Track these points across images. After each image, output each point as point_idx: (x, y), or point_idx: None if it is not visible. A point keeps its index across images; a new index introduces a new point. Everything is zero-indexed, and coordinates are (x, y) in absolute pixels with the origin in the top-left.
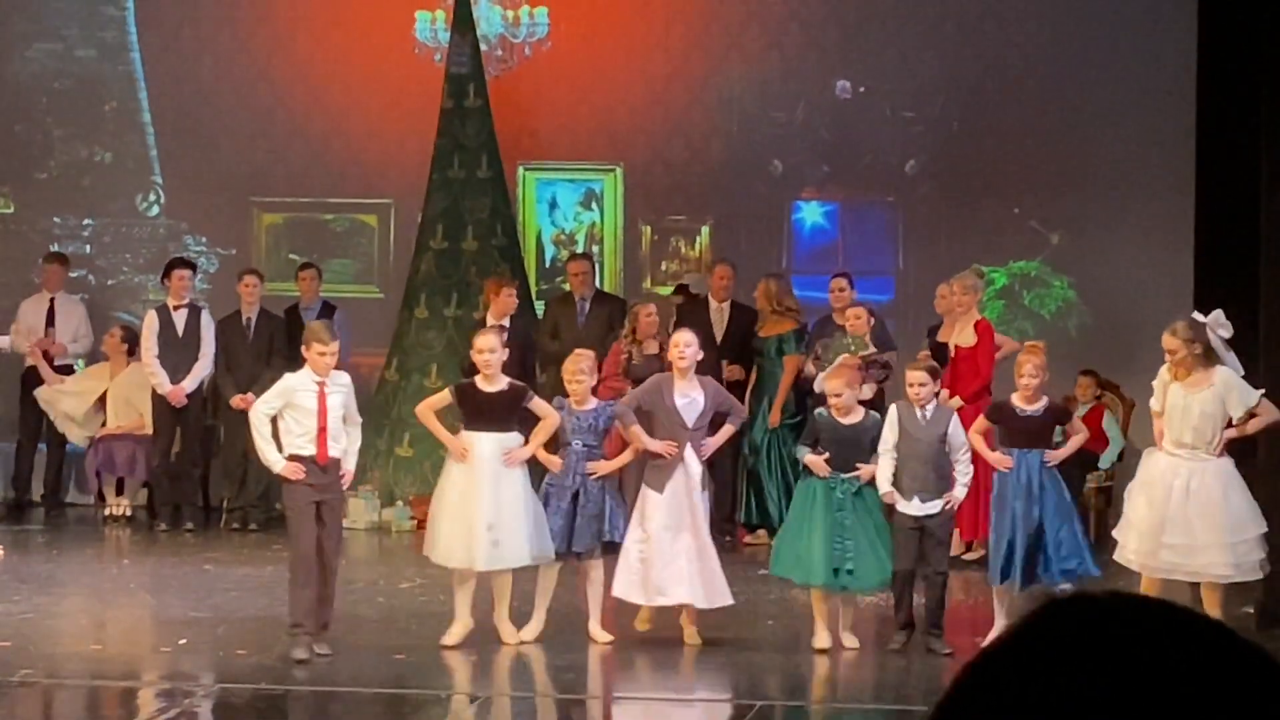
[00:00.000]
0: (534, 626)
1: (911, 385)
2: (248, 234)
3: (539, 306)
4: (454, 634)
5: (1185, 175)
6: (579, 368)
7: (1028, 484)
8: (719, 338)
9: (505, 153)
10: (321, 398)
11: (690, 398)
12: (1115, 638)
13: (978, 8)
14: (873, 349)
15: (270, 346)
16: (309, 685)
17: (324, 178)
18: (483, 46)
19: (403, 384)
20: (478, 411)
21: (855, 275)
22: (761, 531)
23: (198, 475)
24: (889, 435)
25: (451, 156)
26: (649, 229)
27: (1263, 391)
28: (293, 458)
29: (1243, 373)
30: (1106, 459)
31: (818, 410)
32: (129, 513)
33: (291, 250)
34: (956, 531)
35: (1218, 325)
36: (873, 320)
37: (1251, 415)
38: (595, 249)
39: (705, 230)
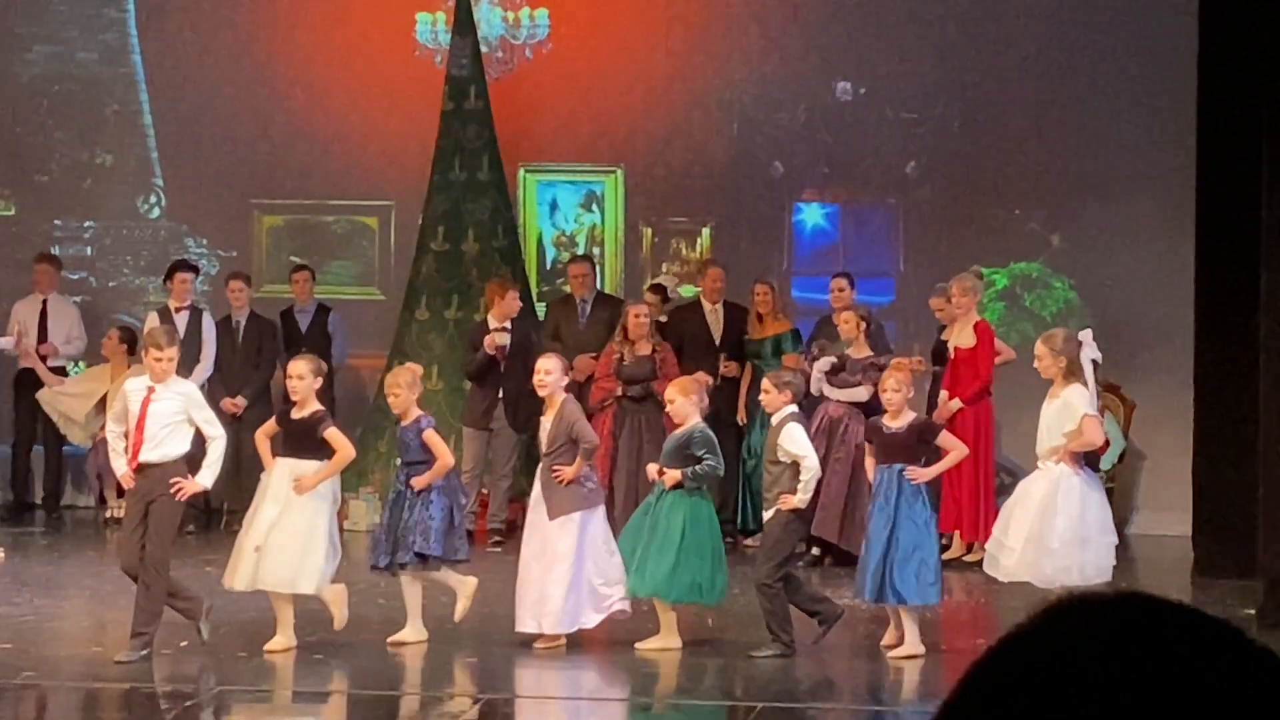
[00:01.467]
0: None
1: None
2: (248, 236)
3: (540, 309)
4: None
5: (1186, 176)
6: (397, 381)
7: (887, 502)
8: (717, 339)
9: (506, 154)
10: (145, 403)
11: (545, 424)
12: (1123, 637)
13: (979, 9)
14: (868, 352)
15: (259, 349)
16: (308, 687)
17: (325, 180)
18: (483, 48)
19: None
20: (283, 436)
21: (856, 277)
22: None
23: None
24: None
25: (452, 158)
26: (650, 231)
27: (1089, 414)
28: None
29: (1094, 403)
30: (1108, 460)
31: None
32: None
33: (292, 252)
34: (957, 534)
35: (1089, 347)
36: (868, 323)
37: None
38: (596, 251)
39: (706, 232)
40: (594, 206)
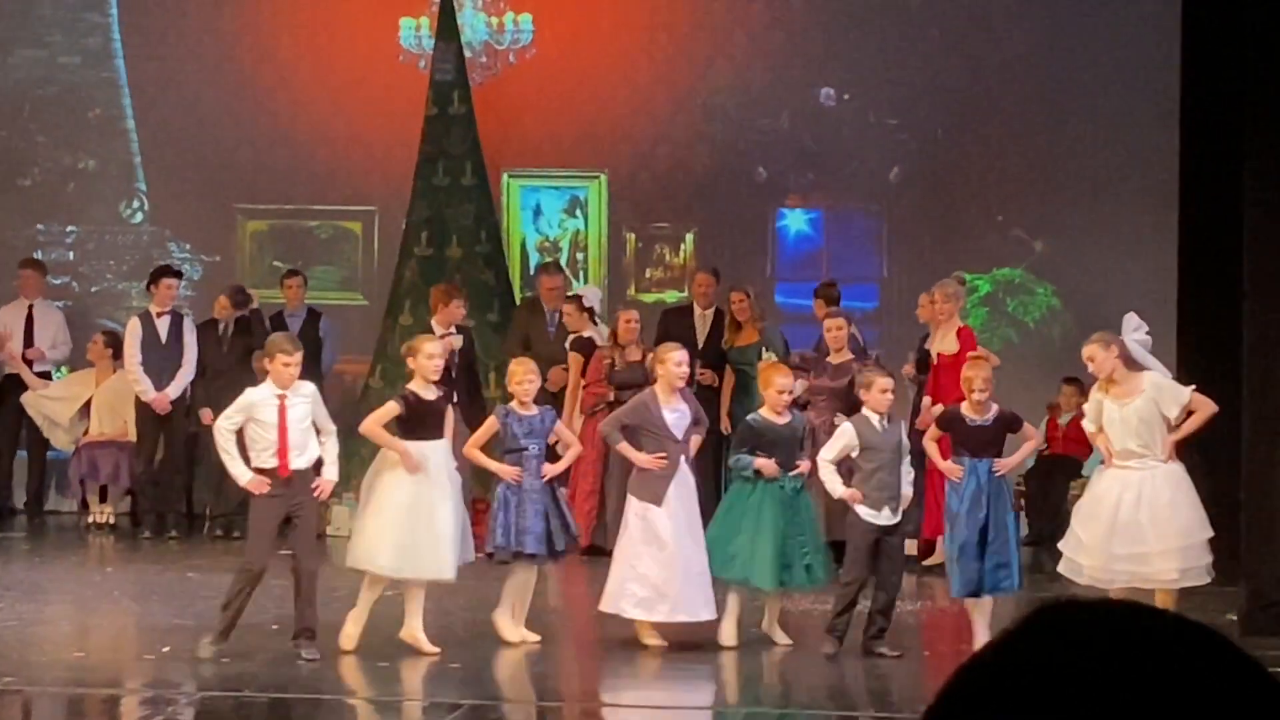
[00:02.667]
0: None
1: (884, 392)
2: (232, 241)
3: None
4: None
5: (1169, 182)
6: (529, 370)
7: (976, 493)
8: (700, 344)
9: (490, 160)
10: (282, 411)
11: (679, 411)
12: (1105, 643)
13: (962, 16)
14: (850, 357)
15: (247, 354)
16: (292, 693)
17: (308, 185)
18: (467, 53)
19: (387, 391)
20: (423, 420)
21: (839, 282)
22: None
23: (181, 483)
24: (836, 446)
25: (436, 163)
26: (633, 236)
27: (1193, 387)
28: (259, 471)
29: (1170, 374)
30: (1090, 466)
31: (750, 416)
32: (112, 520)
33: (276, 257)
34: (939, 539)
35: (1132, 329)
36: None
37: (1189, 413)
38: (580, 256)
39: (689, 237)
40: (577, 212)
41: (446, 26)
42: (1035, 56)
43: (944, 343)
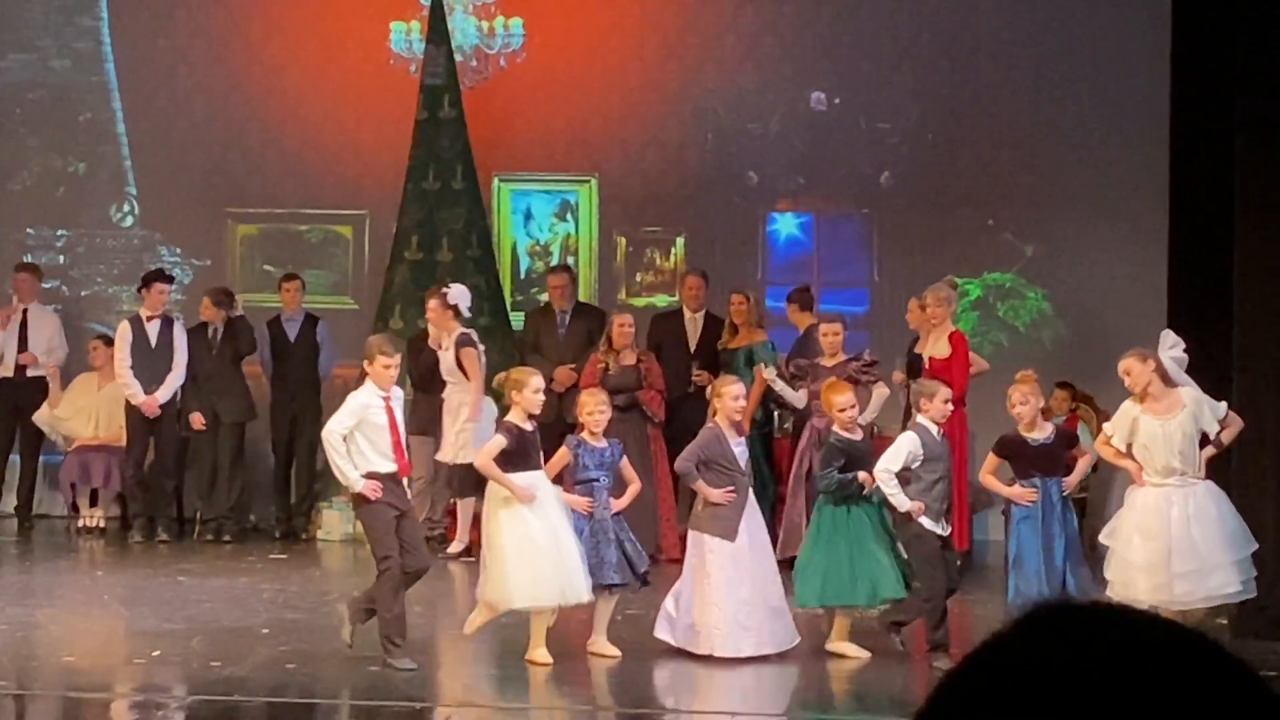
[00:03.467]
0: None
1: (946, 402)
2: (222, 245)
3: (515, 318)
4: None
5: (1159, 187)
6: (600, 401)
7: (1047, 512)
8: (692, 347)
9: (480, 164)
10: (389, 412)
11: (741, 444)
12: (1097, 644)
13: (953, 20)
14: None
15: (236, 358)
16: (283, 697)
17: (299, 189)
18: (458, 58)
19: None
20: (525, 453)
21: (830, 287)
22: None
23: (172, 487)
24: (901, 456)
25: (426, 168)
26: (624, 240)
27: (1225, 403)
28: (370, 475)
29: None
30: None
31: (833, 436)
32: (102, 524)
33: (266, 261)
34: None
35: (1169, 346)
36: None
37: (1223, 427)
38: (570, 260)
39: (680, 241)
40: (568, 216)
41: (437, 31)
42: (1026, 61)
43: (936, 347)
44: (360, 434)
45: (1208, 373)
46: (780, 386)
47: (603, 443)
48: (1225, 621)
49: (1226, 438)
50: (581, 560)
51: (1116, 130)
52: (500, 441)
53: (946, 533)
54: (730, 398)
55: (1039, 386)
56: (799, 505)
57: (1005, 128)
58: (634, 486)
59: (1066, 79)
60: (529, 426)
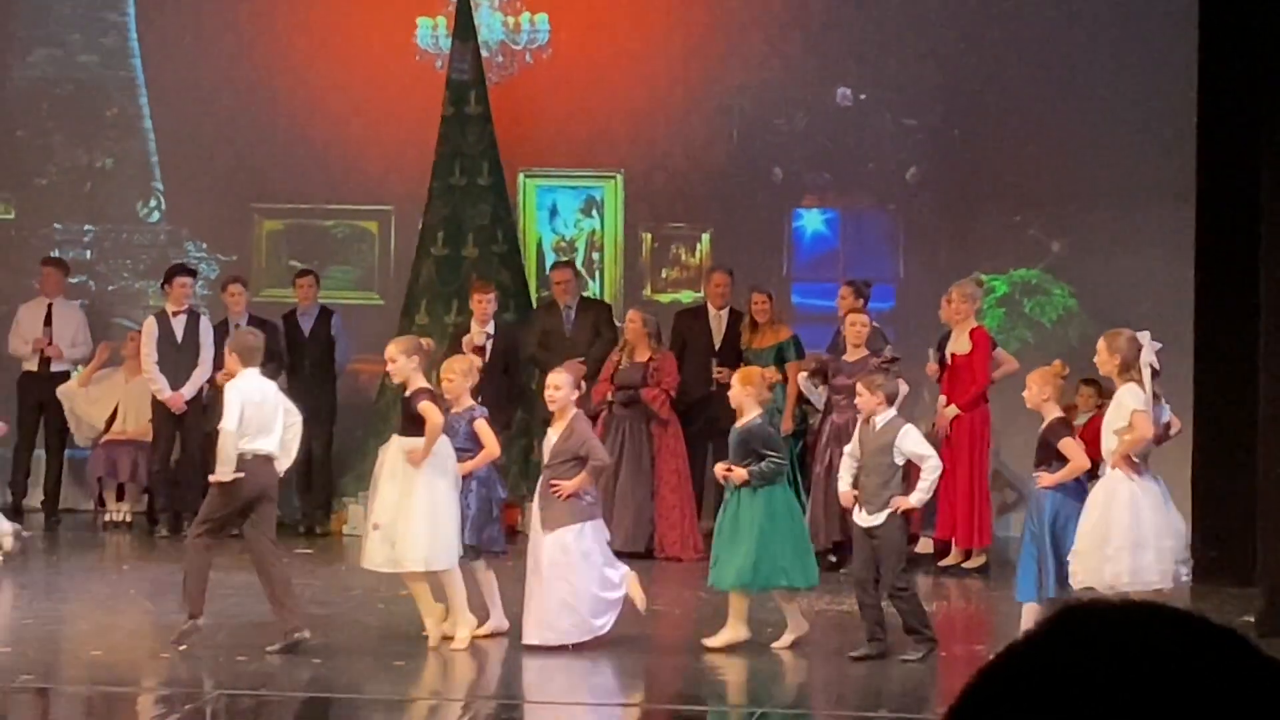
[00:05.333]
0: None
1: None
2: (248, 240)
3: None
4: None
5: (1186, 183)
6: (452, 369)
7: (1031, 505)
8: (717, 344)
9: (506, 159)
10: None
11: (551, 437)
12: (1128, 644)
13: (979, 16)
14: (864, 353)
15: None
16: (308, 692)
17: (325, 184)
18: (484, 53)
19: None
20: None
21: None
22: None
23: (197, 481)
24: (851, 445)
25: (452, 163)
26: (649, 236)
27: (1140, 409)
28: None
29: (1149, 405)
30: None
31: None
32: (129, 519)
33: (292, 257)
34: (953, 539)
35: (1147, 349)
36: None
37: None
38: (595, 256)
39: (705, 238)
40: (593, 211)
41: (463, 26)
42: (1053, 57)
43: (958, 343)
44: None
45: (1233, 368)
46: (807, 387)
47: (459, 409)
48: (1252, 619)
49: (1124, 443)
50: (371, 530)
51: (1143, 126)
52: (437, 411)
53: (867, 524)
54: (552, 386)
55: (1050, 376)
56: (820, 498)
57: (1032, 123)
58: (484, 451)
59: (1093, 75)
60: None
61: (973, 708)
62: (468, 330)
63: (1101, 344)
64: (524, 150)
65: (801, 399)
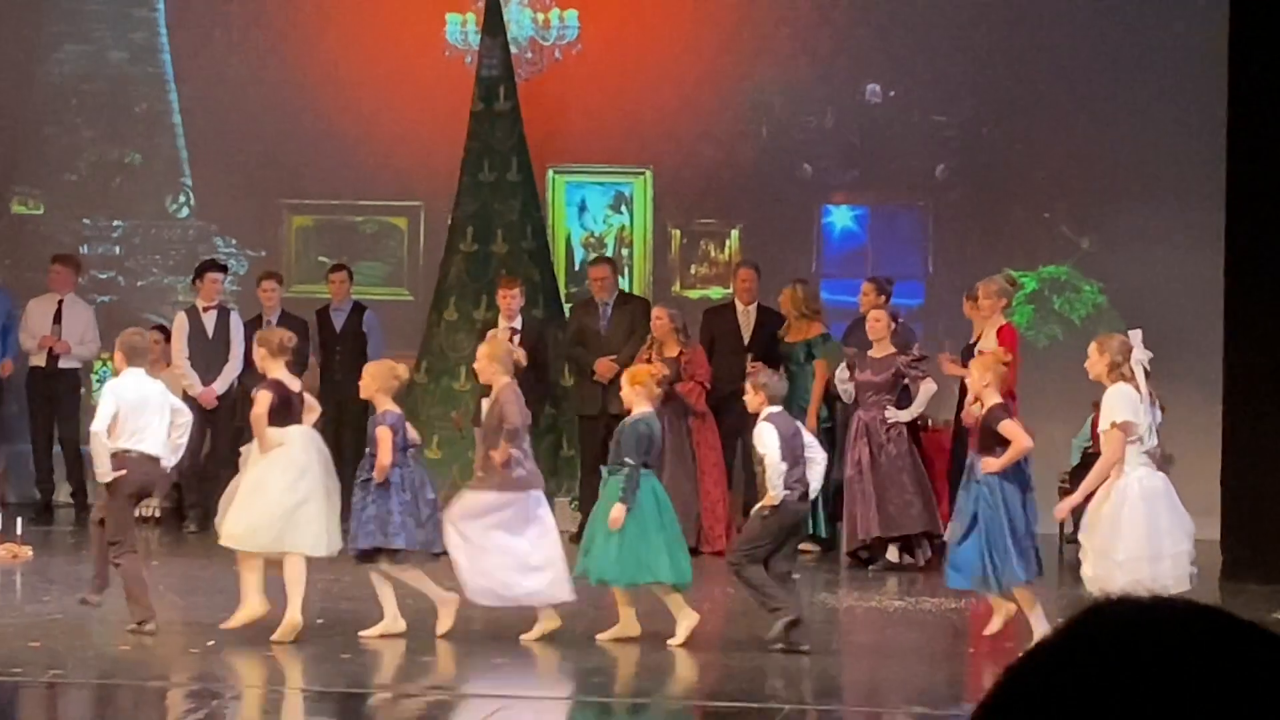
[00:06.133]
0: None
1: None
2: (277, 236)
3: (570, 310)
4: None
5: (1216, 180)
6: (370, 373)
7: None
8: (745, 340)
9: (535, 156)
10: None
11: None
12: (1160, 641)
13: (1009, 12)
14: (891, 350)
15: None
16: (341, 687)
17: (354, 180)
18: (513, 49)
19: (431, 386)
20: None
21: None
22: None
23: (227, 477)
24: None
25: (481, 159)
26: (678, 232)
27: (1115, 421)
28: None
29: (1146, 408)
30: None
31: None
32: (158, 514)
33: (321, 252)
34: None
35: (1137, 348)
36: (895, 324)
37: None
38: (624, 252)
39: (734, 234)
40: (622, 208)
41: (493, 22)
42: (1082, 53)
43: (985, 340)
44: None
45: (1263, 364)
46: (843, 388)
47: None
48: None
49: (1096, 468)
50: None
51: (1172, 122)
52: (268, 397)
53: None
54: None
55: (991, 363)
56: (855, 496)
57: (1061, 120)
58: (378, 462)
59: (1122, 71)
60: (296, 386)
61: (1003, 706)
62: (496, 326)
63: (1093, 347)
64: (553, 146)
65: (830, 395)
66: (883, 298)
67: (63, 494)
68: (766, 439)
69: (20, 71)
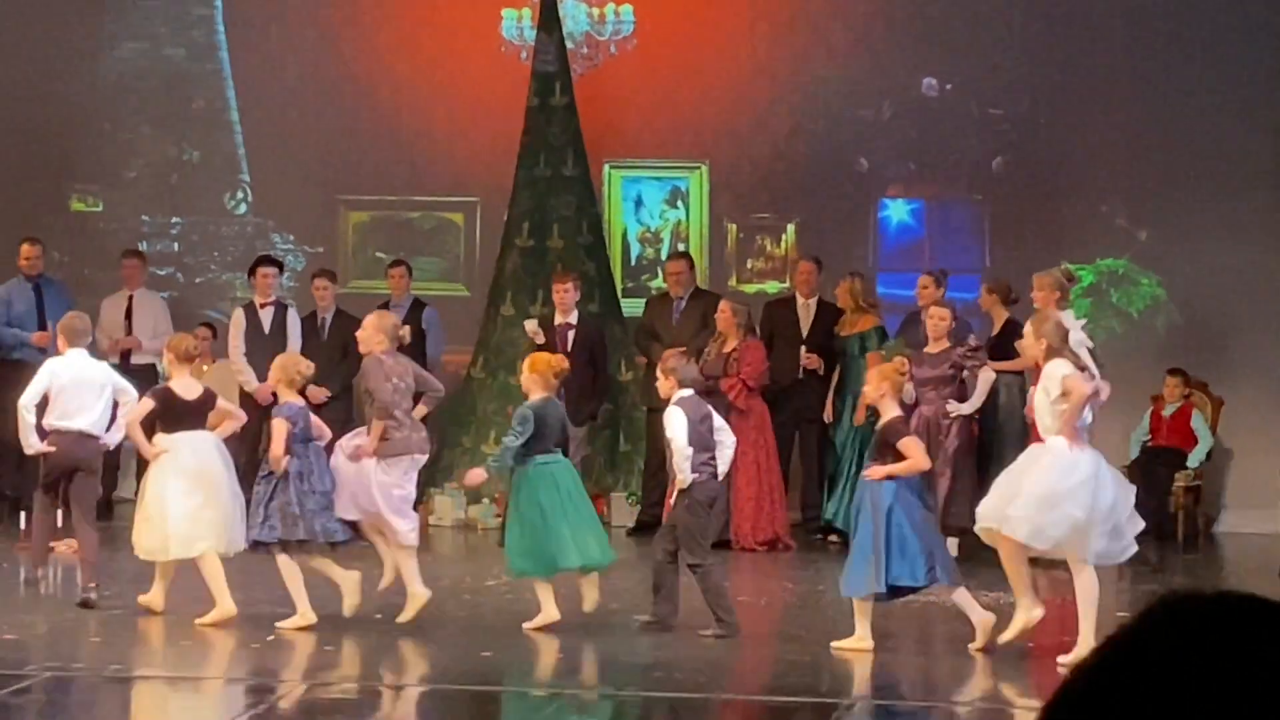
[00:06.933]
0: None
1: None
2: (335, 232)
3: (626, 305)
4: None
5: (1274, 171)
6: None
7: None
8: (805, 333)
9: (591, 151)
10: None
11: None
12: (1227, 637)
13: (1064, 4)
14: (945, 346)
15: (345, 346)
16: (394, 683)
17: (410, 176)
18: (569, 44)
19: (488, 381)
20: (181, 414)
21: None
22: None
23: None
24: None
25: (537, 154)
26: (734, 227)
27: (1068, 374)
28: None
29: (1092, 380)
30: (1195, 458)
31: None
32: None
33: (378, 248)
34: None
35: (1074, 330)
36: (954, 320)
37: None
38: (680, 247)
39: (791, 228)
40: (679, 202)
41: (548, 18)
42: (1139, 45)
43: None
44: None
45: None
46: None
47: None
48: None
49: (1067, 412)
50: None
51: (1230, 114)
52: (148, 404)
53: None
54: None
55: (889, 373)
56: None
57: (1118, 112)
58: (271, 453)
59: (1180, 63)
60: (191, 395)
61: (1072, 704)
62: (552, 321)
63: (1027, 329)
64: (609, 141)
65: None
66: (941, 291)
67: (126, 489)
68: (675, 424)
69: (79, 69)
